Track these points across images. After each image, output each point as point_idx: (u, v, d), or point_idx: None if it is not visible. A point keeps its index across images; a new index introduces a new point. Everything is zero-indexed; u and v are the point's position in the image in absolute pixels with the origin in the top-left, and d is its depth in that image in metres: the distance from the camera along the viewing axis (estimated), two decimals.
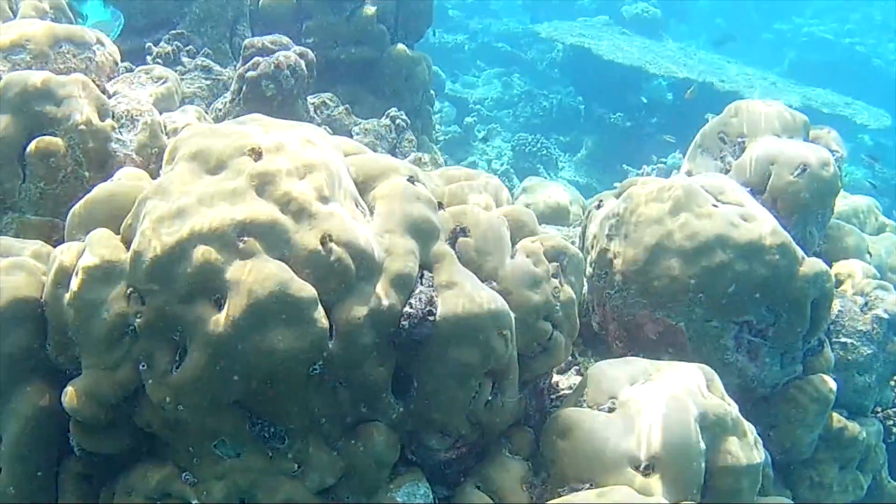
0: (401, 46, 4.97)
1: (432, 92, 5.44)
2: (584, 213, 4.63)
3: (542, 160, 9.39)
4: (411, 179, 2.59)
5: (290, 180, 2.32)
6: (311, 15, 4.84)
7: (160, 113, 2.89)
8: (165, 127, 2.82)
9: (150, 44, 4.32)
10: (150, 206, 2.27)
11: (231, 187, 2.29)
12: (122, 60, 4.27)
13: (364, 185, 2.57)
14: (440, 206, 2.63)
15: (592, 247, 3.32)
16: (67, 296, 2.28)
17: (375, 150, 4.19)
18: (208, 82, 4.15)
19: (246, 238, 2.20)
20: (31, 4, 3.37)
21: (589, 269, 3.29)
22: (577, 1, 14.98)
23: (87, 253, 2.28)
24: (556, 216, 4.47)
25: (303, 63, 3.81)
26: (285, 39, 3.94)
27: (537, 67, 12.70)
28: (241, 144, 2.40)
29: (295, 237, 2.25)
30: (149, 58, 4.22)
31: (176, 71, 4.18)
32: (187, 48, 4.33)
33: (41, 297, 2.37)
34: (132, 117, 2.78)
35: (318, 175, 2.36)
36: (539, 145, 9.53)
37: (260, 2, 4.73)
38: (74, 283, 2.26)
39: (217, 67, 4.21)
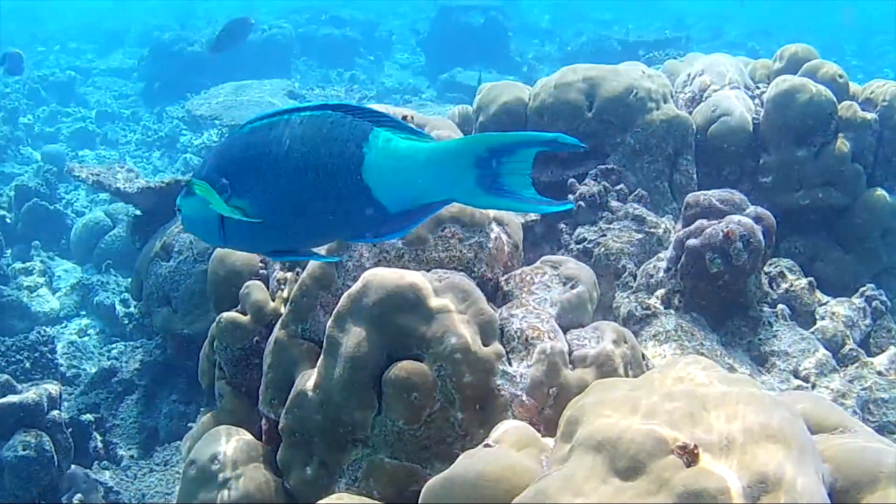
0: (879, 192, 3.96)
1: None
2: None
3: None
4: None
5: None
6: (770, 148, 3.97)
7: (565, 331, 2.16)
8: (570, 354, 2.09)
9: (574, 179, 3.66)
10: None
11: None
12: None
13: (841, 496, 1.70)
14: None
15: None
16: None
17: (844, 343, 3.29)
18: (640, 236, 3.41)
19: None
20: None
21: None
22: None
23: None
24: None
25: (759, 231, 2.95)
26: (738, 197, 3.11)
27: None
28: (664, 436, 1.61)
29: None
30: (570, 196, 3.56)
31: (601, 218, 3.50)
32: (617, 188, 3.61)
33: None
34: (527, 340, 2.09)
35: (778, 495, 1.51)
36: None
37: (709, 130, 3.91)
38: None
39: (651, 218, 3.45)
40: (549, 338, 2.09)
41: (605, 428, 1.70)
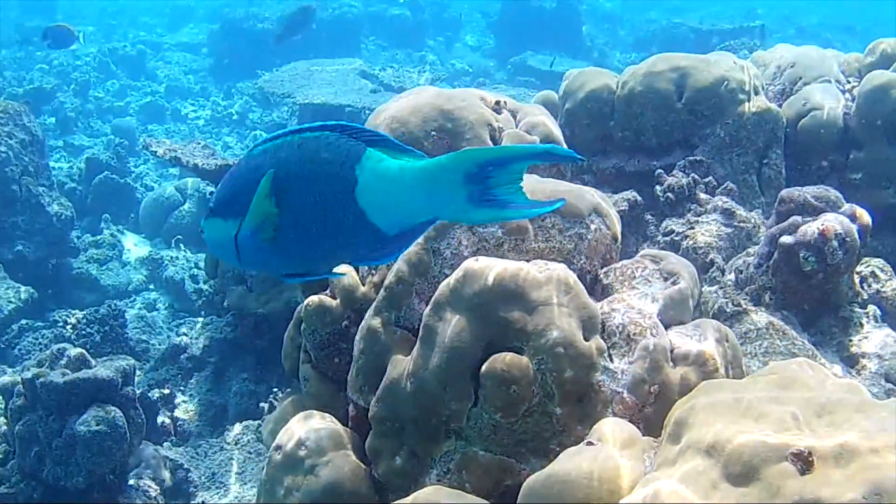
0: None
1: None
2: None
3: None
4: None
5: None
6: (861, 144, 3.86)
7: (666, 327, 2.11)
8: (672, 352, 2.04)
9: (662, 170, 3.59)
10: None
11: None
12: (627, 187, 3.64)
13: None
14: None
15: None
16: None
17: None
18: (728, 230, 3.34)
19: None
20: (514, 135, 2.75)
21: None
22: None
23: None
24: None
25: (855, 231, 2.87)
26: (833, 194, 3.02)
27: None
28: (778, 442, 1.56)
29: None
30: (658, 188, 3.51)
31: (689, 211, 3.44)
32: (706, 180, 3.54)
33: None
34: (629, 336, 2.04)
35: None
36: None
37: (799, 124, 3.82)
38: None
39: (741, 212, 3.39)
40: (652, 334, 2.04)
41: (716, 432, 1.65)
